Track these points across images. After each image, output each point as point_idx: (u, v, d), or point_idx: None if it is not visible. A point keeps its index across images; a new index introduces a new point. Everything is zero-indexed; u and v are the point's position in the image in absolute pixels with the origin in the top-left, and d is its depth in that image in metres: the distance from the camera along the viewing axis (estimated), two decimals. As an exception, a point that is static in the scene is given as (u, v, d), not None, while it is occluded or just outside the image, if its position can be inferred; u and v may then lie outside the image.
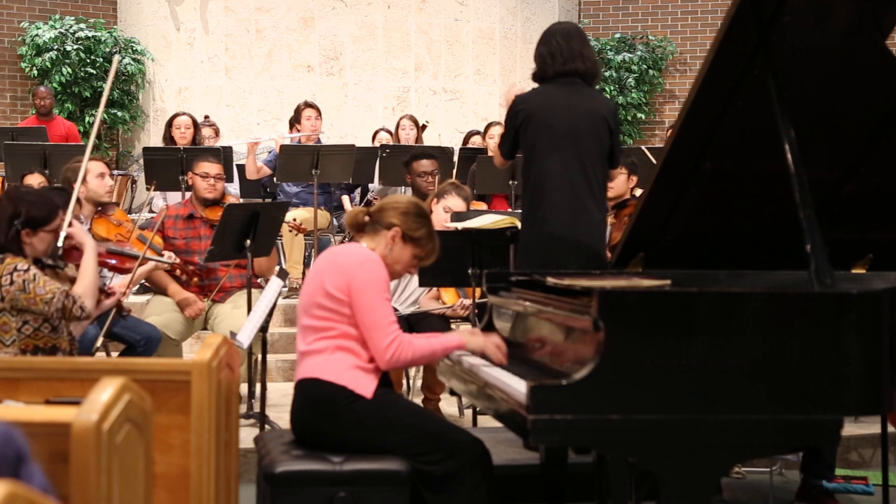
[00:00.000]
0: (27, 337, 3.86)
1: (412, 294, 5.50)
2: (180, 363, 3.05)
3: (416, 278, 5.09)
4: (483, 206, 7.36)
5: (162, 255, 5.23)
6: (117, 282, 5.28)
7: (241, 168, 8.22)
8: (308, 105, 8.13)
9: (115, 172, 9.19)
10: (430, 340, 3.37)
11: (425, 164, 6.21)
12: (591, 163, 4.25)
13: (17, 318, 3.83)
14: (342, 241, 7.30)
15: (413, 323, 5.21)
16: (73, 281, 4.08)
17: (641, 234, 3.48)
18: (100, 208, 5.32)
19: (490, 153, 8.15)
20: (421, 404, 5.19)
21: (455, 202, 5.57)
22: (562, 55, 4.28)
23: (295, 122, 8.21)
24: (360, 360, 3.31)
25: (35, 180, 6.60)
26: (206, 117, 9.04)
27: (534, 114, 4.27)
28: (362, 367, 3.30)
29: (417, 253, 3.47)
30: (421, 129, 8.74)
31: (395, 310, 5.12)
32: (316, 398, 3.29)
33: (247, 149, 7.87)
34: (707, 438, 2.67)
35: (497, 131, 8.36)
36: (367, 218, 3.48)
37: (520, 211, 7.39)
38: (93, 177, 5.20)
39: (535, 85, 4.43)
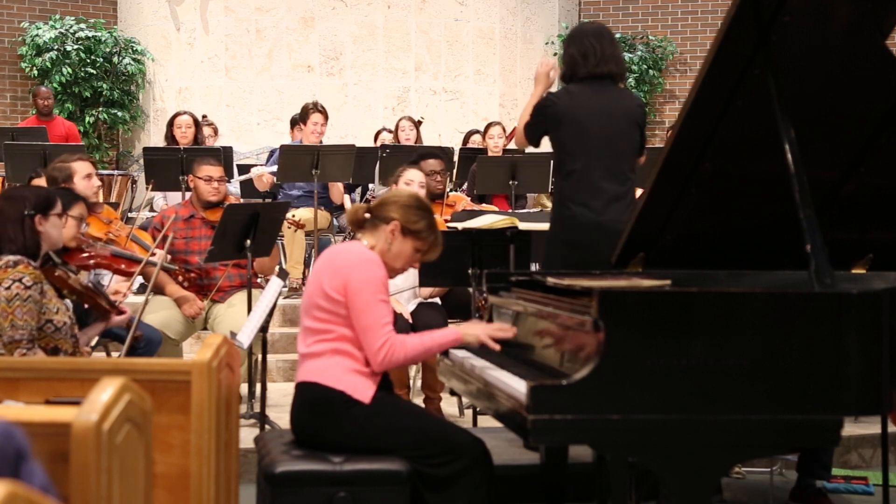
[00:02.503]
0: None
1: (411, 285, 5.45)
2: (180, 363, 3.04)
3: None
4: (494, 207, 7.37)
5: (154, 255, 5.23)
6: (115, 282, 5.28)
7: (241, 168, 8.22)
8: (317, 109, 7.86)
9: (116, 172, 9.22)
10: (422, 338, 3.33)
11: (433, 164, 6.21)
12: (622, 162, 4.24)
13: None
14: (343, 241, 7.30)
15: (413, 323, 5.21)
16: (82, 286, 4.07)
17: (641, 234, 3.47)
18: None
19: (490, 153, 8.16)
20: (422, 404, 5.19)
21: (413, 174, 5.59)
22: (595, 56, 4.26)
23: (301, 121, 8.17)
24: (359, 363, 3.29)
25: (43, 182, 6.59)
26: (204, 116, 9.02)
27: (565, 115, 4.24)
28: (361, 370, 3.28)
29: (419, 246, 3.42)
30: (417, 124, 8.74)
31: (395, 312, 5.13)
32: (314, 403, 3.28)
33: (254, 178, 7.75)
34: (707, 438, 2.67)
35: (497, 131, 8.37)
36: (367, 215, 3.45)
37: (521, 211, 7.44)
38: (80, 178, 5.18)
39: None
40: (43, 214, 3.90)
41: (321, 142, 7.87)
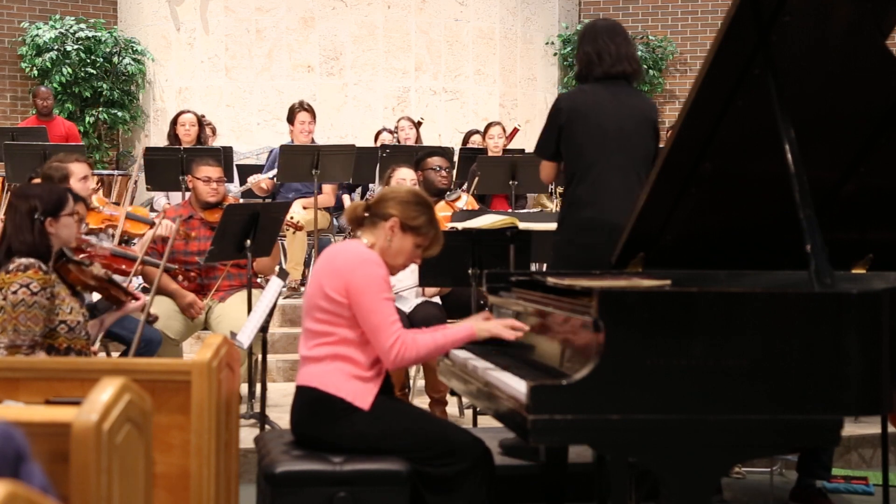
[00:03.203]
0: (44, 337, 3.87)
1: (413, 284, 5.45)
2: (180, 363, 3.05)
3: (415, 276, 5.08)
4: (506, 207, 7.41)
5: (153, 224, 5.31)
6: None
7: (241, 168, 8.22)
8: (303, 108, 7.89)
9: (116, 172, 9.22)
10: (434, 335, 3.28)
11: (437, 160, 6.24)
12: (639, 165, 4.14)
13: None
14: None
15: (412, 318, 5.21)
16: (96, 279, 4.08)
17: (641, 234, 3.47)
18: None
19: (490, 153, 8.16)
20: (427, 407, 5.18)
21: (405, 172, 5.68)
22: (610, 56, 4.16)
23: (288, 122, 8.18)
24: (360, 368, 3.25)
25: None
26: (202, 116, 9.01)
27: (580, 113, 4.14)
28: (361, 376, 3.25)
29: (419, 242, 3.36)
30: (417, 126, 8.74)
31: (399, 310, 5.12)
32: (314, 408, 3.26)
33: (252, 187, 7.75)
34: (707, 438, 2.67)
35: (497, 131, 8.36)
36: (365, 213, 3.40)
37: (521, 211, 7.44)
38: (76, 180, 5.17)
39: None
40: (54, 217, 3.90)
41: (312, 140, 7.88)
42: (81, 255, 4.67)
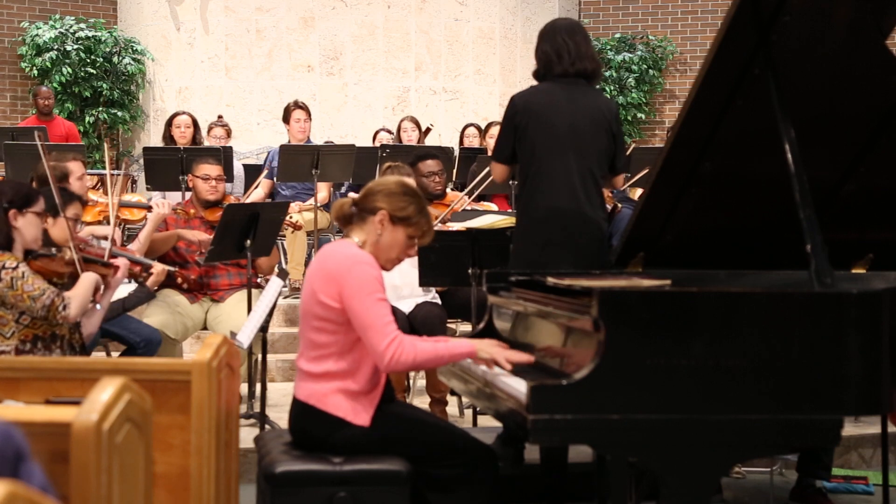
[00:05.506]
0: (26, 327, 3.87)
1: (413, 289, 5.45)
2: (180, 363, 3.05)
3: (415, 277, 5.07)
4: (493, 206, 7.36)
5: (150, 209, 5.38)
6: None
7: (241, 168, 8.21)
8: (298, 106, 7.93)
9: (115, 172, 9.20)
10: (436, 345, 3.17)
11: (431, 165, 6.18)
12: (591, 164, 4.12)
13: (12, 311, 3.85)
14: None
15: (412, 319, 5.20)
16: (69, 263, 4.05)
17: (641, 234, 3.48)
18: None
19: (490, 152, 8.14)
20: (427, 407, 5.17)
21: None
22: (569, 55, 4.13)
23: (284, 121, 8.17)
24: (357, 383, 3.18)
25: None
26: (220, 117, 9.02)
27: (534, 112, 4.12)
28: (358, 391, 3.19)
29: (411, 233, 3.26)
30: (424, 133, 8.72)
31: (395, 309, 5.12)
32: (311, 426, 3.22)
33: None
34: (707, 438, 2.68)
35: (497, 131, 8.34)
36: (353, 208, 3.31)
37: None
38: (75, 179, 5.17)
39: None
40: (18, 210, 3.90)
41: (309, 138, 7.88)
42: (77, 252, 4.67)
